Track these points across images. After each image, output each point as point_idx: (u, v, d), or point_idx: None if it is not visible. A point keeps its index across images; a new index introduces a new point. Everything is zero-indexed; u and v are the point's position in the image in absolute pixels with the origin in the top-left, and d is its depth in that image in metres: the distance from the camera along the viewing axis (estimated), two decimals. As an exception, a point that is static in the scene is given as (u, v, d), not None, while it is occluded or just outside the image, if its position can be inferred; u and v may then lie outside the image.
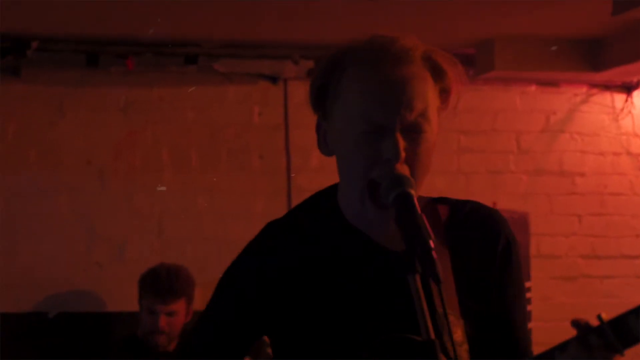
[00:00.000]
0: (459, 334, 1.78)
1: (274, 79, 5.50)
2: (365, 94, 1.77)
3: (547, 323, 5.65)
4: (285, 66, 5.37)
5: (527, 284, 5.12)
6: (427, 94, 1.79)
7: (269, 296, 1.84)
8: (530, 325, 5.16)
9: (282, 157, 5.49)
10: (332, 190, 1.92)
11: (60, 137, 5.29)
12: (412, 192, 1.71)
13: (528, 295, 5.14)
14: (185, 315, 4.41)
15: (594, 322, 1.70)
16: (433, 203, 1.94)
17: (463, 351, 1.79)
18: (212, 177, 5.42)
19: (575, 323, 1.72)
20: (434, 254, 1.59)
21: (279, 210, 1.95)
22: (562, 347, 1.71)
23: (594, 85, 5.98)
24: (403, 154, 1.74)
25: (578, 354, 1.69)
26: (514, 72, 5.64)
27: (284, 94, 5.46)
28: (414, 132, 1.77)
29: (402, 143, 1.74)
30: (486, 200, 5.69)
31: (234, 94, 5.49)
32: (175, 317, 4.34)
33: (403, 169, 1.75)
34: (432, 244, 1.61)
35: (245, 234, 1.96)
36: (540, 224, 5.81)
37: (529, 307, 5.12)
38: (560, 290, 5.90)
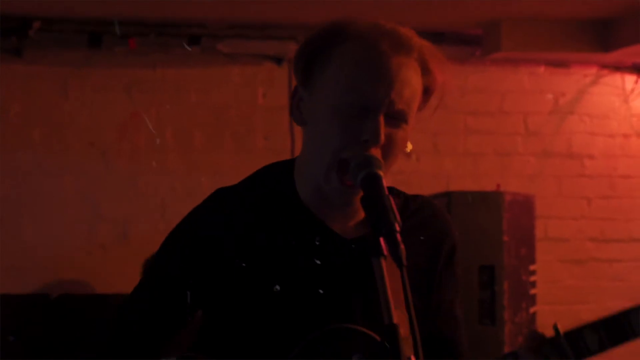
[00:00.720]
0: (405, 328, 1.72)
1: (278, 60, 5.47)
2: (361, 69, 1.74)
3: (555, 306, 5.63)
4: (289, 47, 5.33)
5: (532, 267, 5.08)
6: (416, 87, 1.77)
7: (207, 265, 1.80)
8: (537, 308, 5.14)
9: (286, 138, 5.46)
10: (288, 164, 1.88)
11: (64, 117, 5.28)
12: (381, 173, 1.69)
13: (533, 278, 5.10)
14: None
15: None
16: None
17: (407, 344, 1.72)
18: (217, 158, 5.40)
19: (532, 334, 1.70)
20: (398, 236, 1.57)
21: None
22: (514, 354, 1.69)
23: (604, 66, 5.92)
24: (383, 138, 1.72)
25: None
26: (522, 53, 5.59)
27: (288, 75, 5.43)
28: (396, 120, 1.75)
29: (384, 128, 1.72)
30: (493, 181, 5.69)
31: (238, 75, 5.46)
32: None
33: (376, 153, 1.72)
34: (397, 227, 1.58)
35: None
36: (548, 206, 5.77)
37: (533, 291, 5.10)
38: (568, 273, 5.86)
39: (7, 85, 5.22)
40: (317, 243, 1.80)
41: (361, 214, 1.83)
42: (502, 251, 4.91)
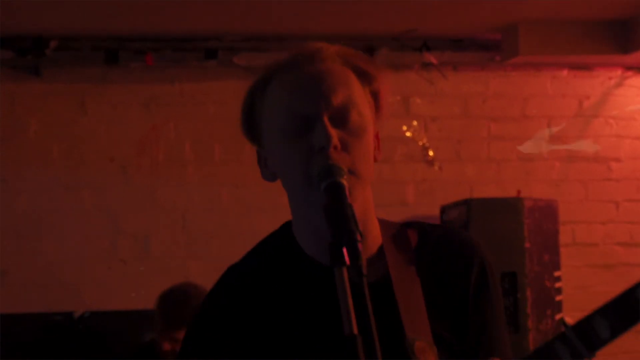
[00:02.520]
0: (432, 356, 1.72)
1: (294, 71, 5.45)
2: (287, 93, 1.73)
3: (585, 312, 5.53)
4: (305, 58, 5.32)
5: (557, 273, 5.01)
6: (351, 84, 1.74)
7: (236, 346, 1.79)
8: (565, 315, 5.06)
9: (304, 150, 5.43)
10: (287, 225, 1.86)
11: (83, 134, 5.32)
12: (344, 182, 1.65)
13: (558, 284, 5.03)
14: None
15: None
16: (402, 228, 1.87)
17: None
18: (236, 170, 5.40)
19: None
20: (359, 245, 1.53)
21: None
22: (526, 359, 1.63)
23: (628, 67, 5.84)
24: (336, 140, 1.69)
25: None
26: (543, 57, 5.53)
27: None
28: (343, 120, 1.72)
29: (333, 130, 1.70)
30: (517, 187, 5.62)
31: (255, 87, 5.46)
32: (180, 345, 4.23)
33: (340, 157, 1.69)
34: (359, 236, 1.54)
35: (271, 226, 1.92)
36: (575, 211, 5.70)
37: (559, 297, 5.02)
38: (597, 279, 5.77)
39: (25, 103, 5.27)
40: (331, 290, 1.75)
41: (368, 252, 1.79)
42: (524, 258, 4.84)
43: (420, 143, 5.64)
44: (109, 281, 5.26)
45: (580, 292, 5.58)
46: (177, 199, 5.37)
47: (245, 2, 4.77)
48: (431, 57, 5.57)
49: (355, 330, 1.51)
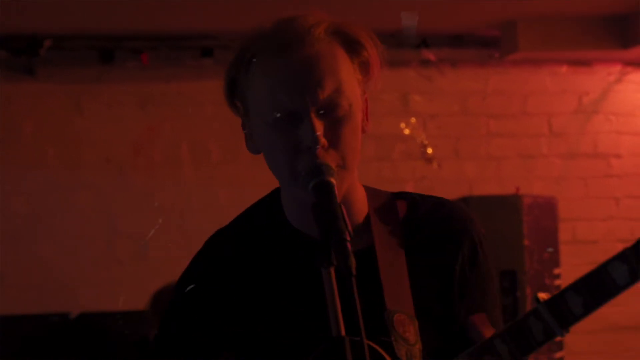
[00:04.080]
0: (411, 333, 1.69)
1: (291, 69, 5.43)
2: (271, 84, 1.68)
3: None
4: (301, 56, 5.28)
5: (557, 271, 4.98)
6: (339, 69, 1.69)
7: (221, 309, 1.78)
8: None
9: (303, 149, 5.41)
10: (276, 192, 1.84)
11: (79, 134, 5.30)
12: (332, 180, 1.63)
13: (558, 282, 5.00)
14: None
15: None
16: (392, 199, 1.83)
17: (416, 350, 1.69)
18: (234, 170, 5.37)
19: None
20: (348, 245, 1.51)
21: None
22: (500, 334, 1.60)
23: (627, 63, 5.81)
24: (323, 139, 1.66)
25: (517, 337, 1.58)
26: (542, 53, 5.50)
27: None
28: (332, 111, 1.67)
29: (320, 126, 1.66)
30: (517, 185, 5.59)
31: (252, 86, 5.43)
32: None
33: (328, 154, 1.66)
34: (348, 235, 1.52)
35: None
36: (575, 208, 5.67)
37: (558, 295, 4.98)
38: (598, 276, 5.73)
39: (20, 104, 5.25)
40: (310, 261, 1.70)
41: (354, 222, 1.73)
42: (523, 256, 4.82)
43: (419, 141, 5.61)
44: (105, 282, 5.23)
45: (581, 290, 5.54)
46: (175, 199, 5.34)
47: (241, 1, 4.74)
48: (429, 54, 5.54)
49: (343, 332, 1.49)
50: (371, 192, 1.82)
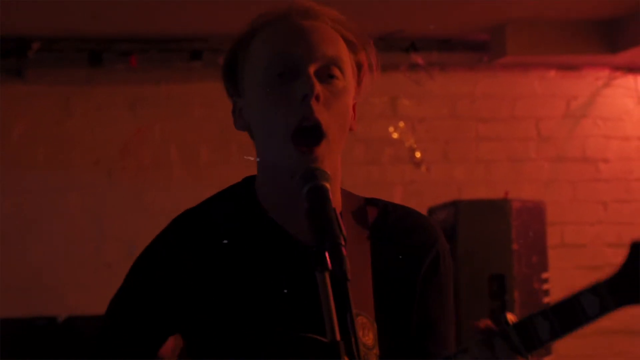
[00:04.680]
0: (370, 338, 1.71)
1: (280, 72, 5.43)
2: (274, 43, 1.72)
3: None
4: (290, 58, 5.28)
5: (545, 275, 4.98)
6: (339, 46, 1.73)
7: (178, 288, 1.76)
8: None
9: (291, 151, 5.41)
10: (250, 180, 1.85)
11: (68, 136, 5.29)
12: (327, 185, 1.62)
13: (546, 286, 5.00)
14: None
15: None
16: (364, 204, 1.86)
17: (372, 355, 1.71)
18: (223, 172, 5.36)
19: (478, 327, 1.62)
20: (343, 250, 1.52)
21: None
22: (464, 349, 1.61)
23: (616, 68, 5.83)
24: (318, 88, 1.68)
25: (481, 354, 1.59)
26: (531, 57, 5.52)
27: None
28: (327, 76, 1.70)
29: (316, 81, 1.69)
30: (505, 189, 5.59)
31: (241, 88, 5.43)
32: None
33: (319, 110, 1.68)
34: (342, 240, 1.53)
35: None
36: (563, 212, 5.69)
37: (547, 299, 4.99)
38: (586, 280, 5.64)
39: (9, 106, 5.24)
40: (288, 256, 1.75)
41: None
42: (511, 260, 4.81)
43: (408, 144, 5.62)
44: (93, 285, 5.21)
45: (567, 294, 5.55)
46: (164, 201, 5.32)
47: (230, 3, 4.74)
48: (418, 58, 5.55)
49: (338, 337, 1.49)
50: (345, 195, 1.84)
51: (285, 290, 1.73)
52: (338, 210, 1.77)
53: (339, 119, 1.71)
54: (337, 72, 1.71)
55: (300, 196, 1.63)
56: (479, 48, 5.60)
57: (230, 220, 1.80)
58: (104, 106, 5.33)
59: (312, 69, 1.69)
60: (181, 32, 5.24)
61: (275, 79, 1.70)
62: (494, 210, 4.86)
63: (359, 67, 1.77)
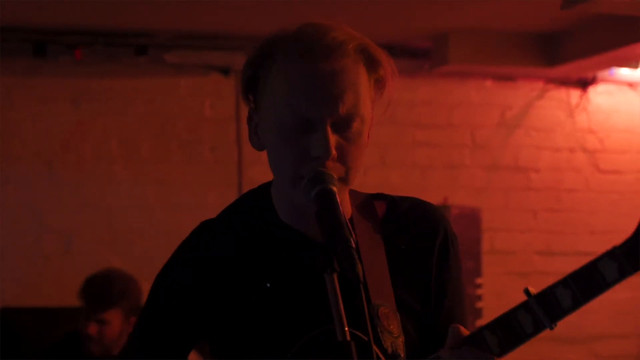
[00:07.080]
0: (395, 327, 1.76)
1: (225, 71, 5.44)
2: (293, 88, 1.71)
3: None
4: (237, 58, 5.28)
5: (479, 280, 5.10)
6: (360, 86, 1.73)
7: (205, 298, 1.81)
8: (483, 321, 5.14)
9: (233, 150, 5.44)
10: (266, 187, 1.89)
11: (9, 127, 5.22)
12: (334, 189, 1.67)
13: (479, 291, 5.12)
14: (121, 324, 4.23)
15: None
16: (370, 199, 1.91)
17: (400, 343, 1.77)
18: (163, 168, 5.37)
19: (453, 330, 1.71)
20: (354, 253, 1.56)
21: (230, 202, 1.93)
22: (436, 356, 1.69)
23: (550, 80, 5.98)
24: (334, 151, 1.70)
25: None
26: (470, 66, 5.63)
27: (235, 86, 5.40)
28: (345, 127, 1.71)
29: (332, 139, 1.70)
30: (441, 194, 5.68)
31: (185, 86, 5.44)
32: (106, 326, 4.18)
33: (334, 167, 1.70)
34: (353, 243, 1.57)
35: (196, 226, 1.92)
36: (495, 219, 5.80)
37: (480, 304, 5.11)
38: (514, 286, 5.85)
39: (-51, 94, 5.14)
40: (306, 258, 1.76)
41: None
42: (448, 264, 4.90)
43: (347, 147, 5.66)
44: (29, 277, 5.16)
45: (497, 299, 5.66)
46: (104, 196, 5.30)
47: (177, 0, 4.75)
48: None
49: (349, 337, 1.54)
50: (351, 193, 1.88)
51: (307, 290, 1.77)
52: (350, 211, 1.85)
53: (355, 162, 1.74)
54: (356, 121, 1.72)
55: (309, 199, 1.68)
56: (420, 55, 5.68)
57: (249, 228, 1.84)
58: (47, 98, 5.26)
59: (329, 123, 1.70)
60: (127, 26, 5.21)
61: (291, 130, 1.71)
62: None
63: (379, 82, 1.78)
